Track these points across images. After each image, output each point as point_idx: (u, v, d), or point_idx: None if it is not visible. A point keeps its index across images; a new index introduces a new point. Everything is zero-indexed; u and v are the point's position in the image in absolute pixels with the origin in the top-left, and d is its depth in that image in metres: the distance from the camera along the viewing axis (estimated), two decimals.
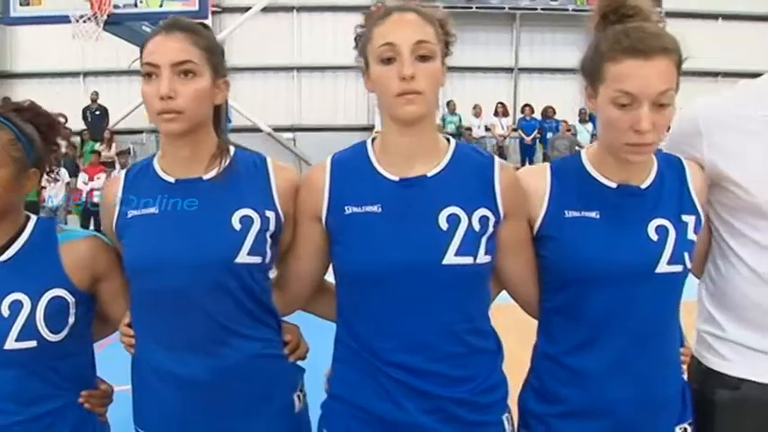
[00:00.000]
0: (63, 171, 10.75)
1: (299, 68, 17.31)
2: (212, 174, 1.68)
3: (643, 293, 1.59)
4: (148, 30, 8.27)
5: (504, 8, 16.40)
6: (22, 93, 16.75)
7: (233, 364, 1.63)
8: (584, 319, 1.63)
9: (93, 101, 15.79)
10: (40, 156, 1.73)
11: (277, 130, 17.02)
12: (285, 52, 17.19)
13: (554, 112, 15.38)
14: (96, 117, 15.77)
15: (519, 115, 16.21)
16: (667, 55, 1.52)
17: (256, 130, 16.46)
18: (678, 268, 1.60)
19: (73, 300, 1.68)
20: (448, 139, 1.68)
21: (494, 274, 1.70)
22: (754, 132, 1.65)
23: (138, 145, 15.97)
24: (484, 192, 1.61)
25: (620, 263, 1.58)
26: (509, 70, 16.97)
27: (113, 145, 15.06)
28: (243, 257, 1.61)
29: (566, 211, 1.64)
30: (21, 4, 7.57)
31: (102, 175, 12.36)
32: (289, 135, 17.39)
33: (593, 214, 1.62)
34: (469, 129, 15.76)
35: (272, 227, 1.67)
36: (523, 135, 15.52)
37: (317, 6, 16.89)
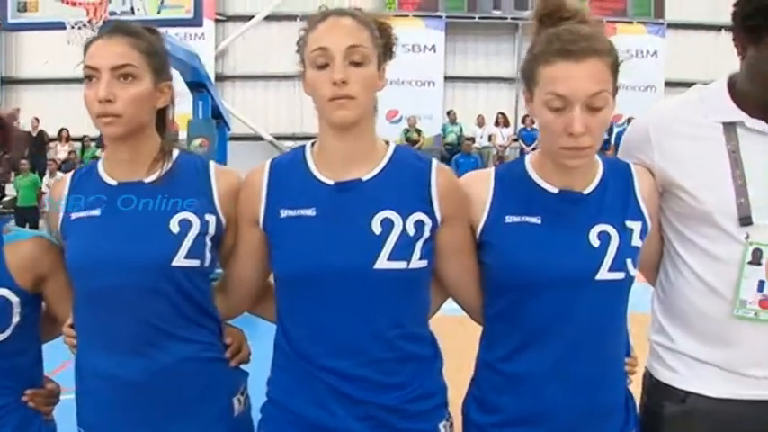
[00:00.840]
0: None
1: (301, 77, 17.33)
2: (153, 177, 1.69)
3: (583, 300, 1.58)
4: None
5: (506, 18, 16.41)
6: (27, 99, 16.91)
7: (168, 367, 1.64)
8: (521, 326, 1.61)
9: None
10: None
11: (279, 138, 17.08)
12: (287, 61, 17.11)
13: None
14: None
15: (520, 126, 16.19)
16: (599, 57, 1.51)
17: (258, 138, 16.53)
18: (619, 275, 1.58)
19: (17, 299, 1.68)
20: (388, 143, 1.68)
21: (436, 279, 1.69)
22: (702, 138, 1.65)
23: None
24: (420, 196, 1.60)
25: (559, 269, 1.56)
26: (511, 81, 16.97)
27: None
28: (180, 261, 1.62)
29: (506, 217, 1.63)
30: (18, 10, 7.67)
31: None
32: (290, 143, 17.40)
33: (534, 220, 1.61)
34: (471, 139, 15.77)
35: (211, 230, 1.67)
36: (524, 145, 15.50)
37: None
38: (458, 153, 15.26)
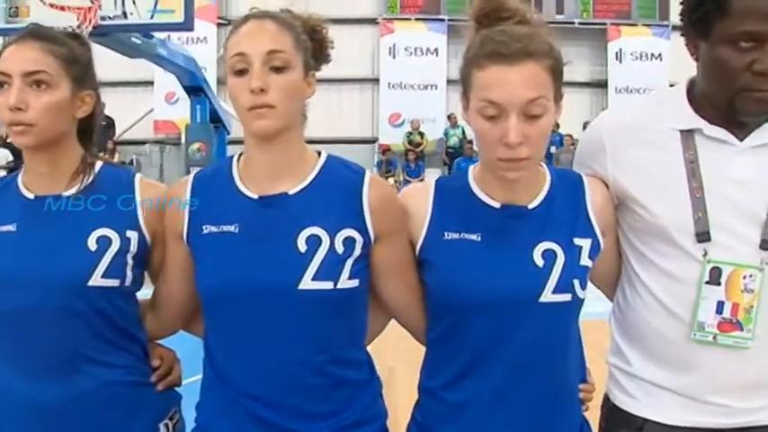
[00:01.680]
0: None
1: None
2: (72, 191, 1.59)
3: (526, 324, 1.45)
4: (138, 41, 8.31)
5: None
6: None
7: (87, 392, 1.54)
8: (462, 351, 1.49)
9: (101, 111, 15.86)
10: None
11: None
12: None
13: (558, 126, 15.20)
14: (102, 128, 15.75)
15: None
16: (535, 59, 1.38)
17: None
18: (565, 297, 1.46)
19: None
20: (320, 154, 1.57)
21: (376, 300, 1.59)
22: (657, 146, 1.54)
23: (143, 156, 16.04)
24: (351, 211, 1.49)
25: (499, 290, 1.44)
26: None
27: (116, 156, 15.11)
28: (96, 280, 1.52)
29: (446, 233, 1.50)
30: (10, 16, 7.64)
31: None
32: None
33: (473, 237, 1.49)
34: (471, 142, 15.66)
35: (133, 248, 1.58)
36: None
37: (323, 19, 16.88)
38: (460, 156, 15.13)
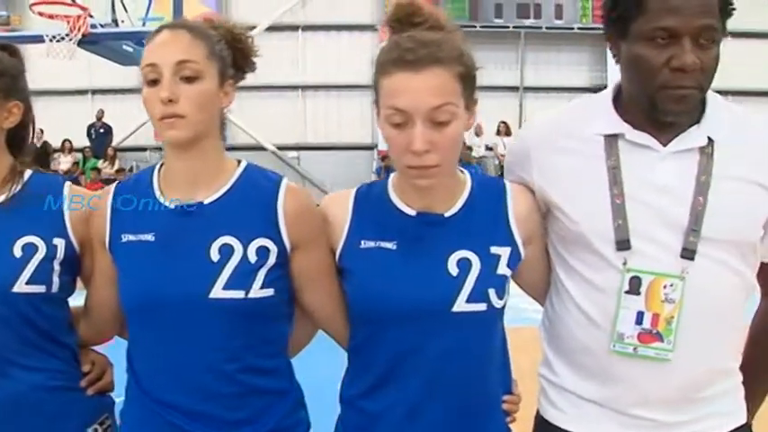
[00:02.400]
0: None
1: (304, 87, 17.34)
2: (1, 198, 1.60)
3: (440, 334, 1.43)
4: (130, 49, 8.33)
5: (508, 27, 16.24)
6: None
7: (12, 396, 1.56)
8: (378, 361, 1.48)
9: (99, 119, 16.03)
10: None
11: (281, 148, 17.06)
12: (290, 71, 17.24)
13: None
14: (100, 135, 16.02)
15: None
16: (442, 65, 1.37)
17: (261, 148, 16.52)
18: (480, 307, 1.44)
19: None
20: (240, 162, 1.57)
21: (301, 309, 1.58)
22: (580, 153, 1.51)
23: (143, 162, 16.09)
24: (265, 220, 1.49)
25: (412, 300, 1.43)
26: (514, 89, 16.83)
27: (116, 162, 15.20)
28: (21, 287, 1.54)
29: (362, 242, 1.50)
30: (1, 24, 7.71)
31: None
32: (293, 154, 17.42)
33: (389, 245, 1.48)
34: (470, 148, 15.62)
35: (60, 255, 1.59)
36: None
37: (322, 26, 16.93)
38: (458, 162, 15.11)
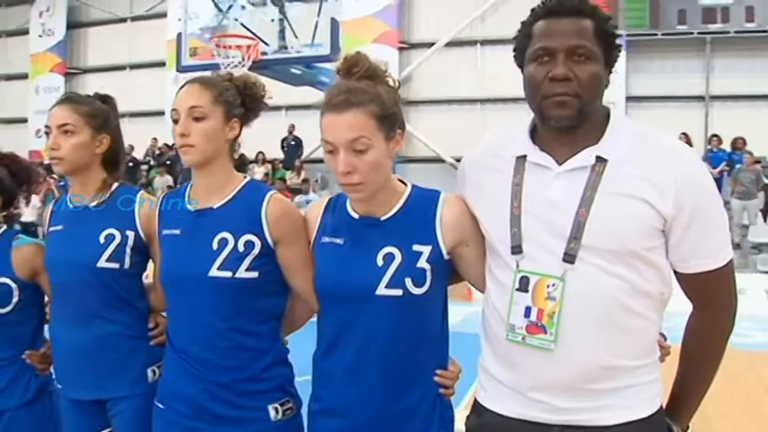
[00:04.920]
0: None
1: (483, 101, 17.54)
2: (94, 203, 2.29)
3: (366, 313, 1.80)
4: (298, 71, 9.19)
5: (692, 33, 15.32)
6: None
7: (97, 338, 2.22)
8: (327, 332, 1.90)
9: (290, 132, 17.32)
10: (4, 188, 2.50)
11: (459, 160, 17.34)
12: (469, 85, 17.57)
13: (744, 144, 14.10)
14: (292, 147, 17.27)
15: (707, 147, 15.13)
16: (358, 108, 1.74)
17: (440, 160, 16.99)
18: (397, 292, 1.78)
19: (15, 285, 2.36)
20: (245, 177, 2.08)
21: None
22: (496, 171, 1.77)
23: (327, 174, 17.17)
24: (252, 221, 1.99)
25: (347, 284, 1.82)
26: (700, 99, 15.95)
27: (302, 173, 16.32)
28: (102, 263, 2.20)
29: (324, 238, 1.92)
30: (190, 56, 8.91)
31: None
32: None
33: (339, 241, 1.88)
34: None
35: (131, 242, 2.23)
36: (710, 168, 14.48)
37: (500, 40, 17.07)
38: None
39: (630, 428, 1.66)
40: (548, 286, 1.65)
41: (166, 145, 17.11)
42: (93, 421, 2.28)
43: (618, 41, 1.72)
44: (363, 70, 1.82)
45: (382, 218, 1.86)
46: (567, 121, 1.65)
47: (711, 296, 1.73)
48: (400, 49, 17.82)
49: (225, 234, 1.98)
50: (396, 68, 17.74)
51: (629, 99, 16.14)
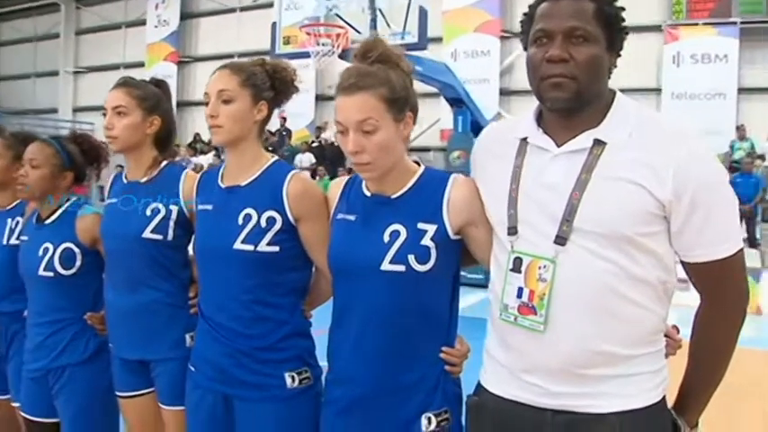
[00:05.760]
0: None
1: None
2: (145, 179, 2.50)
3: (370, 287, 1.86)
4: None
5: None
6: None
7: (141, 304, 2.43)
8: (337, 304, 1.99)
9: None
10: (76, 165, 2.76)
11: None
12: None
13: None
14: None
15: None
16: (367, 91, 1.81)
17: None
18: (400, 268, 1.82)
19: (78, 250, 2.62)
20: (272, 157, 2.20)
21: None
22: (500, 155, 1.78)
23: (427, 162, 17.14)
24: (274, 198, 2.11)
25: (355, 258, 1.89)
26: None
27: None
28: (147, 234, 2.40)
29: (339, 214, 1.99)
30: (284, 44, 9.18)
31: None
32: None
33: (351, 217, 1.95)
34: (761, 156, 14.19)
35: (174, 216, 2.42)
36: None
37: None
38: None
39: (626, 418, 1.64)
40: (539, 268, 1.66)
41: (269, 131, 17.64)
42: (140, 380, 2.50)
43: (623, 24, 1.68)
44: (377, 55, 1.89)
45: (393, 196, 1.91)
46: (562, 102, 1.64)
47: (719, 288, 1.68)
48: (502, 38, 17.60)
49: (249, 210, 2.11)
50: (497, 58, 17.59)
51: (741, 90, 15.30)
